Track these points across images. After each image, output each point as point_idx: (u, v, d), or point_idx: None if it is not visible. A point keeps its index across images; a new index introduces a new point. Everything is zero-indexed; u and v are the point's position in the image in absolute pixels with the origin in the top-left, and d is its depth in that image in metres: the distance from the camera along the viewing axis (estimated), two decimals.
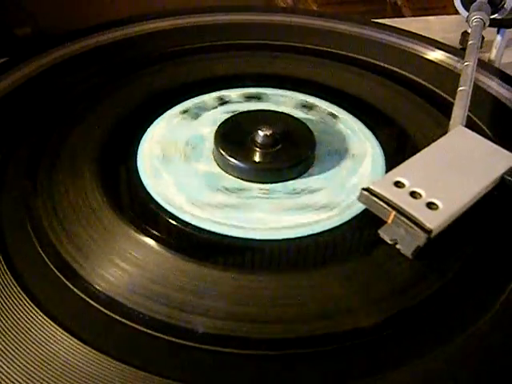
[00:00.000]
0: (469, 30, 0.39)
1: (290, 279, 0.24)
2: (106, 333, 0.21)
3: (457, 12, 0.45)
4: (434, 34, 0.44)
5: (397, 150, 0.32)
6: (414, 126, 0.33)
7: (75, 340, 0.21)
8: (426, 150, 0.27)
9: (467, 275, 0.24)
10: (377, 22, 0.46)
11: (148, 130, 0.32)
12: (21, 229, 0.25)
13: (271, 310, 0.23)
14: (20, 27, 0.44)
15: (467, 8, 0.42)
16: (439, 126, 0.32)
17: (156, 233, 0.25)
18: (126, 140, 0.31)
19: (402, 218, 0.23)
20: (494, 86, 0.37)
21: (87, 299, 0.23)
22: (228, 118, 0.31)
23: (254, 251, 0.25)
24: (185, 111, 0.34)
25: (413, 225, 0.23)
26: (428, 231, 0.23)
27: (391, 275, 0.24)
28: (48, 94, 0.35)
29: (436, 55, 0.41)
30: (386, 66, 0.40)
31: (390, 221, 0.24)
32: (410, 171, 0.26)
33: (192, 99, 0.35)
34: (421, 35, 0.43)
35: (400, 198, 0.24)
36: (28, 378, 0.20)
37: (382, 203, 0.24)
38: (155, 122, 0.33)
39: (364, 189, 0.25)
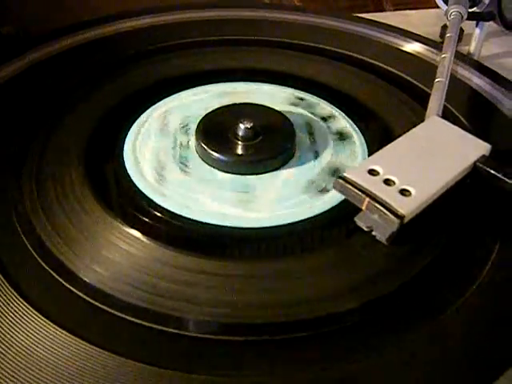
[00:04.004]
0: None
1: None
2: (107, 329, 0.22)
3: (437, 6, 0.46)
4: (415, 28, 0.44)
5: (377, 141, 0.32)
6: (394, 118, 0.34)
7: (72, 336, 0.21)
8: (400, 139, 0.28)
9: (442, 260, 0.25)
10: (357, 16, 0.47)
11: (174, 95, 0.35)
12: (6, 222, 0.26)
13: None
14: (4, 26, 0.44)
15: (446, 2, 0.42)
16: (418, 118, 0.33)
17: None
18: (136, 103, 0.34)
19: (376, 205, 0.24)
20: (473, 77, 0.38)
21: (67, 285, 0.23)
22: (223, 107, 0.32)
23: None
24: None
25: (386, 211, 0.24)
26: (400, 217, 0.24)
27: (367, 262, 0.25)
28: (42, 87, 0.35)
29: (415, 48, 0.42)
30: (365, 59, 0.40)
31: (364, 208, 0.24)
32: (384, 159, 0.26)
33: None
34: (400, 29, 0.44)
35: (374, 185, 0.25)
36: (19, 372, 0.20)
37: (356, 190, 0.25)
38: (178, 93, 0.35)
39: (339, 177, 0.25)
